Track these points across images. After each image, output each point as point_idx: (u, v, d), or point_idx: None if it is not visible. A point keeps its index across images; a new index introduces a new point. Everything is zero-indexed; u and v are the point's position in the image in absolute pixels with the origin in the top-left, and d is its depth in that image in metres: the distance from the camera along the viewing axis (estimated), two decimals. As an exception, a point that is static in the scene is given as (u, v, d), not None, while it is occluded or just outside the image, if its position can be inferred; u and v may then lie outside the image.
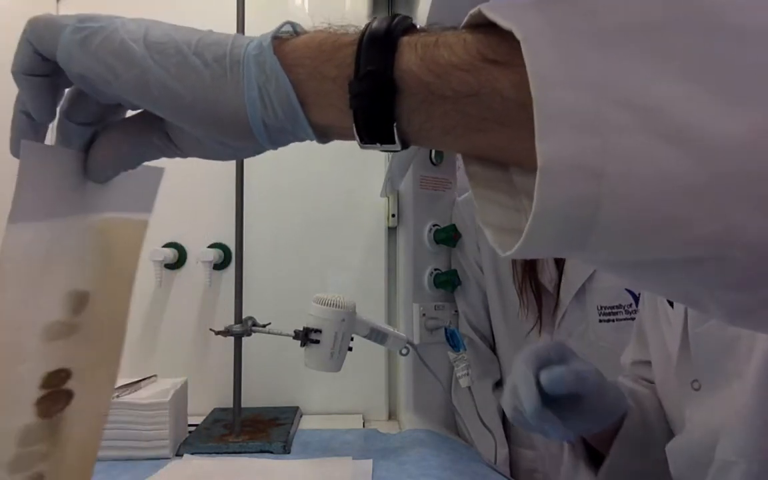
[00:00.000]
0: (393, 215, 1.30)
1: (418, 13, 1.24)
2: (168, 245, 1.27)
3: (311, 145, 1.38)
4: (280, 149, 1.21)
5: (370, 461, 0.92)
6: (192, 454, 0.98)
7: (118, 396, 0.98)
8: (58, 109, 0.36)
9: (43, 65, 0.34)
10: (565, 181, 0.23)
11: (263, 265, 1.28)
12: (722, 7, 0.24)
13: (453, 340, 1.15)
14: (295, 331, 0.91)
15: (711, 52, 0.23)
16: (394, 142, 0.30)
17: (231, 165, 1.12)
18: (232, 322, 1.08)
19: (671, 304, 0.68)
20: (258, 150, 0.34)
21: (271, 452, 0.99)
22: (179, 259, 1.28)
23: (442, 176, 1.35)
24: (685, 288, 0.28)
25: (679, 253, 0.24)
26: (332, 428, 1.15)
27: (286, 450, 1.00)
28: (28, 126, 0.35)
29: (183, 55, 0.33)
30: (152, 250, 1.23)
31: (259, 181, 1.28)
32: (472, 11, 0.28)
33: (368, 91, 0.29)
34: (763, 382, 0.56)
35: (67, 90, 0.36)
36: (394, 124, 0.29)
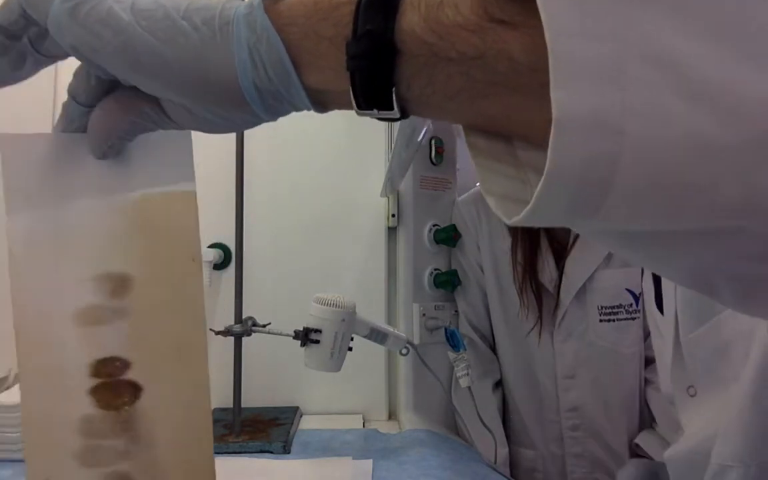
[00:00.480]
0: (393, 215, 1.30)
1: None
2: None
3: (311, 144, 1.38)
4: (280, 149, 1.20)
5: (370, 461, 0.92)
6: (192, 454, 0.98)
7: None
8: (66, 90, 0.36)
9: (25, 28, 0.33)
10: (582, 136, 0.21)
11: (263, 265, 1.28)
12: None
13: (453, 340, 1.15)
14: (295, 331, 0.91)
15: (743, 13, 0.21)
16: (392, 109, 0.28)
17: (231, 165, 1.12)
18: (232, 322, 1.08)
19: (661, 310, 0.68)
20: (255, 121, 0.33)
21: (271, 452, 0.99)
22: (179, 259, 1.28)
23: (442, 176, 1.35)
24: (699, 264, 0.27)
25: (700, 223, 0.23)
26: (332, 428, 1.15)
27: (286, 450, 1.00)
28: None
29: (171, 19, 0.30)
30: (152, 250, 1.23)
31: (259, 181, 1.28)
32: None
33: (366, 52, 0.27)
34: (759, 385, 0.55)
35: (74, 70, 0.35)
36: (393, 89, 0.27)
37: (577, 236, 1.18)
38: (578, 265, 1.16)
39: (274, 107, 0.31)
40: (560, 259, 1.18)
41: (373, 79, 0.27)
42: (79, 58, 0.32)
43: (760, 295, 0.28)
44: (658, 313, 0.69)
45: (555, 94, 0.21)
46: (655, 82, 0.21)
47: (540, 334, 1.17)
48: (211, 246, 1.28)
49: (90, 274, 0.37)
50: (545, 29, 0.21)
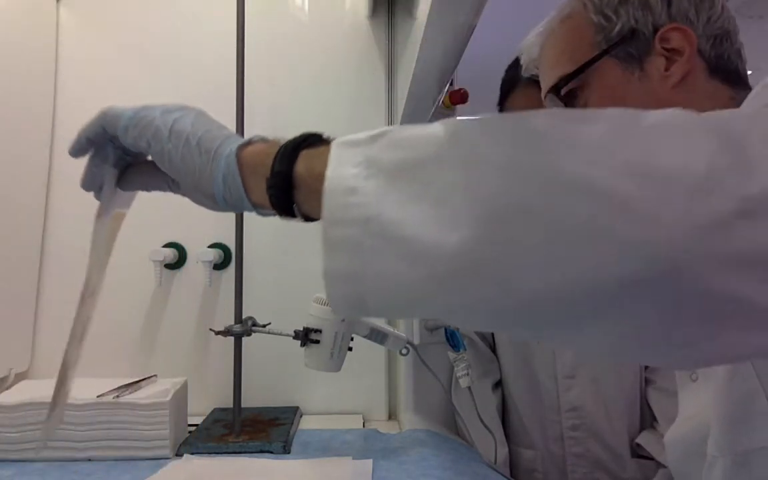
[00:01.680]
0: (393, 215, 1.30)
1: (418, 13, 1.24)
2: (168, 245, 1.27)
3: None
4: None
5: (370, 461, 0.92)
6: (192, 454, 0.98)
7: (118, 396, 0.98)
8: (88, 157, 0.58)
9: (103, 136, 0.55)
10: (340, 283, 0.37)
11: (263, 265, 1.28)
12: (474, 144, 0.34)
13: (453, 340, 1.15)
14: (295, 331, 0.91)
15: (457, 185, 0.33)
16: (296, 217, 0.45)
17: (231, 165, 1.12)
18: (232, 322, 1.08)
19: None
20: (225, 210, 0.51)
21: (271, 452, 0.99)
22: (179, 259, 1.28)
23: (442, 176, 1.35)
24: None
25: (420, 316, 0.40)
26: (332, 428, 1.15)
27: (286, 450, 1.00)
28: (91, 168, 0.57)
29: (188, 144, 0.49)
30: (152, 250, 1.23)
31: (259, 181, 1.28)
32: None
33: (276, 185, 0.44)
34: (730, 377, 0.56)
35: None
36: (294, 206, 0.44)
37: None
38: None
39: (234, 208, 0.50)
40: None
41: (280, 200, 0.44)
42: (133, 149, 0.53)
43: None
44: None
45: (323, 262, 0.37)
46: (380, 248, 0.34)
47: None
48: (211, 246, 1.28)
49: None
50: (322, 218, 0.37)
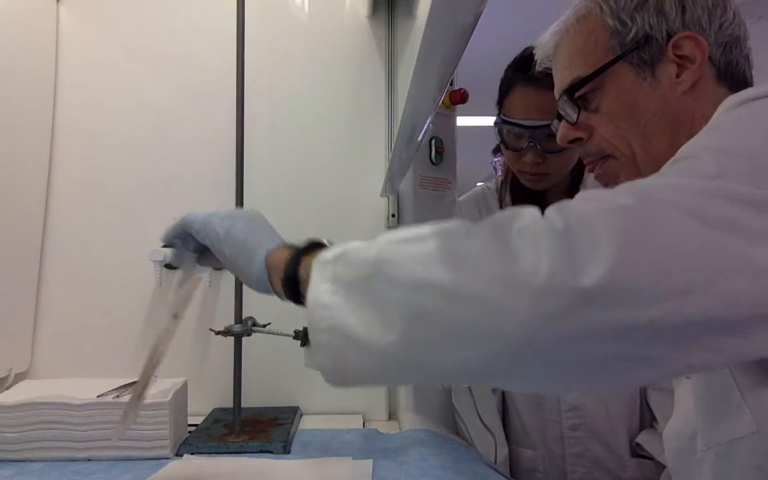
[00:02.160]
0: (393, 215, 1.30)
1: (418, 13, 1.24)
2: (168, 245, 1.27)
3: (311, 145, 1.38)
4: (280, 149, 1.31)
5: (370, 461, 0.92)
6: (192, 454, 0.98)
7: (118, 396, 0.98)
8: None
9: (184, 232, 0.76)
10: (327, 370, 0.50)
11: (263, 265, 1.28)
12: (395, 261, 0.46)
13: (453, 340, 1.15)
14: (295, 331, 0.90)
15: (385, 295, 0.45)
16: (304, 305, 0.53)
17: (231, 165, 1.12)
18: (232, 322, 1.08)
19: None
20: (261, 292, 0.68)
21: (271, 452, 0.99)
22: (179, 259, 1.28)
23: (442, 176, 1.35)
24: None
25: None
26: (332, 428, 1.15)
27: (286, 450, 1.00)
28: (177, 252, 0.80)
29: (238, 246, 0.68)
30: (152, 250, 1.23)
31: (259, 182, 1.28)
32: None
33: (287, 284, 0.60)
34: (707, 373, 0.59)
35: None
36: (301, 297, 0.57)
37: None
38: None
39: (266, 292, 0.67)
40: None
41: (292, 294, 0.61)
42: (202, 243, 0.73)
43: None
44: None
45: (313, 352, 0.51)
46: (343, 346, 0.47)
47: None
48: (211, 246, 1.28)
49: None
50: (308, 322, 0.51)
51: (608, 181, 0.74)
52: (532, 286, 0.39)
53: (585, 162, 0.77)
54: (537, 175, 1.13)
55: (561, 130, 0.76)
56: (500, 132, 1.14)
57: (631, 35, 0.68)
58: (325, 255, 0.52)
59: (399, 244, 0.47)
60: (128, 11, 1.32)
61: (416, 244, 0.46)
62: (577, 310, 0.38)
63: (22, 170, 1.21)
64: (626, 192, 0.43)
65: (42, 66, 1.27)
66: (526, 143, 1.09)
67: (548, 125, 1.06)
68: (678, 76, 0.67)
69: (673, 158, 0.52)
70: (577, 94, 0.72)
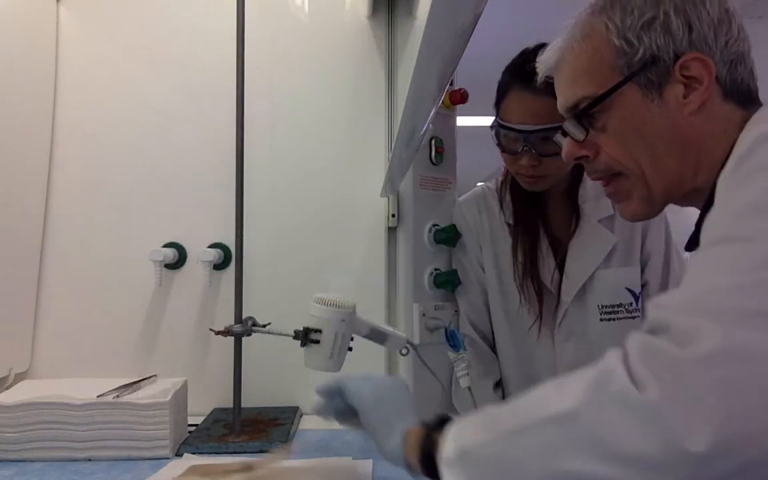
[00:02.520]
0: (393, 215, 1.30)
1: (418, 13, 1.24)
2: (168, 245, 1.27)
3: (311, 145, 1.38)
4: (280, 149, 1.29)
5: (370, 461, 0.92)
6: (192, 454, 0.98)
7: (118, 396, 0.98)
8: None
9: (337, 391, 0.80)
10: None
11: (263, 265, 1.28)
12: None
13: (453, 340, 1.15)
14: (295, 331, 0.90)
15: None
16: None
17: (231, 165, 1.12)
18: (232, 322, 1.08)
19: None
20: (393, 463, 0.70)
21: (271, 452, 0.99)
22: (179, 259, 1.28)
23: (442, 176, 1.35)
24: None
25: None
26: (332, 428, 1.14)
27: (286, 450, 1.00)
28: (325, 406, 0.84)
29: (382, 419, 0.73)
30: (152, 250, 1.23)
31: (259, 182, 1.28)
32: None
33: (424, 460, 0.63)
34: None
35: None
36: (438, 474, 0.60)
37: (574, 234, 1.18)
38: (579, 265, 1.16)
39: (400, 465, 0.69)
40: (560, 258, 1.18)
41: (429, 470, 0.62)
42: (352, 405, 0.78)
43: None
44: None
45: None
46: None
47: (540, 330, 1.17)
48: (211, 246, 1.28)
49: None
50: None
51: (621, 199, 0.74)
52: (649, 464, 0.42)
53: (591, 178, 0.77)
54: (533, 178, 1.13)
55: (566, 147, 0.76)
56: (497, 135, 1.14)
57: (638, 56, 0.67)
58: (447, 452, 0.58)
59: (513, 436, 0.51)
60: (128, 11, 1.32)
61: (532, 435, 0.50)
62: (699, 474, 0.41)
63: (22, 170, 1.21)
64: (706, 319, 0.44)
65: (42, 66, 1.27)
66: (522, 147, 1.09)
67: (543, 129, 1.06)
68: (685, 96, 0.66)
69: (717, 234, 0.52)
70: (582, 113, 0.71)
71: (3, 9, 1.12)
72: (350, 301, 0.90)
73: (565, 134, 0.76)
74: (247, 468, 0.85)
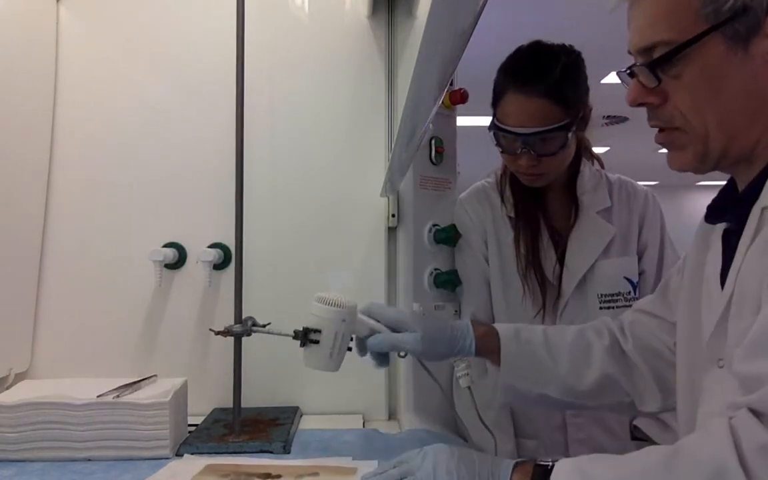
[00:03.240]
0: (393, 215, 1.30)
1: (418, 13, 1.24)
2: (168, 245, 1.27)
3: (311, 145, 1.38)
4: (280, 149, 1.27)
5: (375, 462, 0.92)
6: (192, 454, 0.98)
7: (118, 396, 0.98)
8: None
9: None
10: None
11: (263, 265, 1.28)
12: None
13: (453, 340, 1.15)
14: (295, 331, 0.90)
15: None
16: None
17: (231, 165, 1.11)
18: (232, 322, 1.08)
19: (722, 286, 0.70)
20: None
21: (271, 452, 0.99)
22: (179, 259, 1.28)
23: (442, 176, 1.35)
24: None
25: None
26: (332, 428, 1.15)
27: (286, 450, 1.00)
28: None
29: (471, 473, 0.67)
30: (152, 250, 1.23)
31: (259, 181, 1.28)
32: None
33: None
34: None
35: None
36: None
37: (574, 226, 1.19)
38: (579, 257, 1.17)
39: None
40: (561, 250, 1.19)
41: None
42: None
43: None
44: (718, 287, 0.70)
45: None
46: None
47: (543, 320, 1.18)
48: (211, 246, 1.28)
49: None
50: None
51: (672, 149, 0.71)
52: None
53: (650, 124, 0.72)
54: (533, 176, 1.14)
55: (632, 91, 0.70)
56: (495, 136, 1.15)
57: (728, 5, 0.62)
58: None
59: None
60: (128, 11, 1.32)
61: None
62: None
63: (22, 170, 1.21)
64: None
65: (42, 66, 1.27)
66: (520, 149, 1.10)
67: (540, 132, 1.07)
68: None
69: None
70: (658, 61, 0.66)
71: (3, 9, 1.12)
72: (351, 300, 0.90)
73: (632, 75, 0.70)
74: (266, 475, 0.85)
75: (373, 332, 0.93)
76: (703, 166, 0.70)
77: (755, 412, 0.54)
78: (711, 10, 0.63)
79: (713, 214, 0.74)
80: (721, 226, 0.73)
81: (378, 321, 0.92)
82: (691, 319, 0.77)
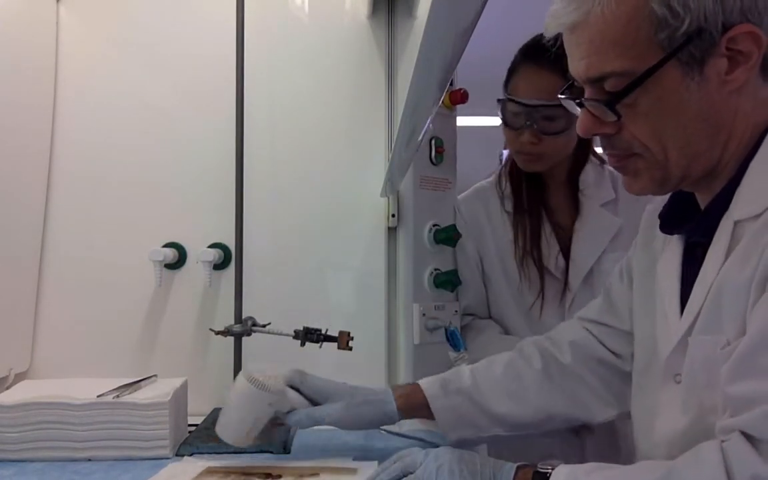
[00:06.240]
0: (393, 215, 1.30)
1: (418, 13, 1.24)
2: (168, 245, 1.27)
3: (311, 145, 1.38)
4: (280, 149, 1.26)
5: (375, 463, 0.92)
6: (192, 454, 0.98)
7: (118, 396, 0.98)
8: None
9: (401, 471, 0.73)
10: None
11: (263, 265, 1.28)
12: None
13: (453, 340, 1.15)
14: (295, 331, 0.91)
15: None
16: None
17: (231, 165, 1.11)
18: (232, 322, 1.08)
19: (682, 312, 0.69)
20: None
21: (271, 452, 0.99)
22: (179, 259, 1.28)
23: (442, 176, 1.35)
24: None
25: None
26: (332, 429, 1.14)
27: (286, 450, 1.00)
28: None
29: None
30: (152, 250, 1.23)
31: (259, 181, 1.28)
32: None
33: None
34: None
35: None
36: None
37: (576, 220, 1.20)
38: (584, 250, 1.18)
39: None
40: (565, 244, 1.19)
41: None
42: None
43: None
44: (677, 302, 0.70)
45: None
46: None
47: (541, 311, 1.18)
48: (211, 246, 1.28)
49: None
50: None
51: (628, 175, 0.68)
52: None
53: (605, 153, 0.71)
54: (532, 155, 1.15)
55: (584, 122, 0.67)
56: (502, 110, 1.17)
57: (683, 29, 0.59)
58: None
59: None
60: (128, 11, 1.32)
61: None
62: None
63: (22, 169, 1.21)
64: None
65: (42, 66, 1.27)
66: (524, 122, 1.11)
67: (546, 106, 1.08)
68: (728, 73, 0.60)
69: None
70: (616, 93, 0.63)
71: (3, 9, 1.12)
72: (280, 383, 0.87)
73: (581, 105, 0.67)
74: (266, 475, 0.85)
75: (292, 408, 0.92)
76: (662, 189, 0.69)
77: (747, 436, 0.54)
78: (665, 36, 0.60)
79: (669, 223, 0.73)
80: (676, 237, 0.72)
81: (299, 390, 0.89)
82: (645, 332, 0.77)
